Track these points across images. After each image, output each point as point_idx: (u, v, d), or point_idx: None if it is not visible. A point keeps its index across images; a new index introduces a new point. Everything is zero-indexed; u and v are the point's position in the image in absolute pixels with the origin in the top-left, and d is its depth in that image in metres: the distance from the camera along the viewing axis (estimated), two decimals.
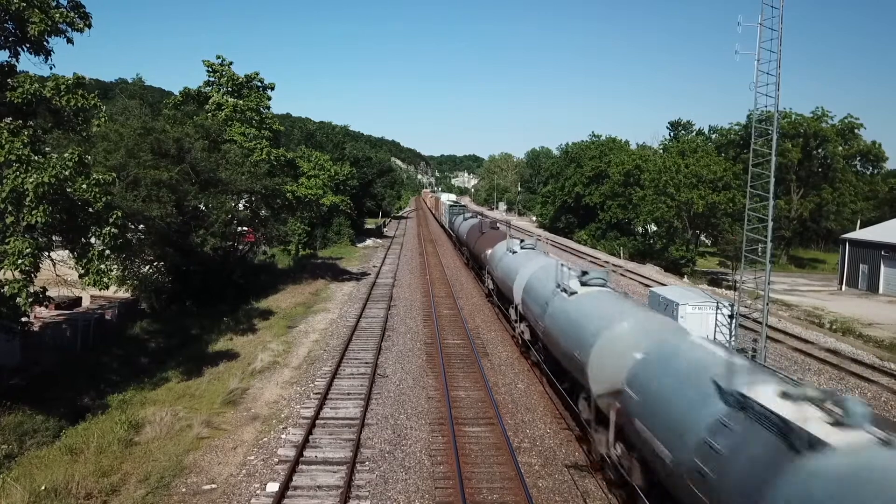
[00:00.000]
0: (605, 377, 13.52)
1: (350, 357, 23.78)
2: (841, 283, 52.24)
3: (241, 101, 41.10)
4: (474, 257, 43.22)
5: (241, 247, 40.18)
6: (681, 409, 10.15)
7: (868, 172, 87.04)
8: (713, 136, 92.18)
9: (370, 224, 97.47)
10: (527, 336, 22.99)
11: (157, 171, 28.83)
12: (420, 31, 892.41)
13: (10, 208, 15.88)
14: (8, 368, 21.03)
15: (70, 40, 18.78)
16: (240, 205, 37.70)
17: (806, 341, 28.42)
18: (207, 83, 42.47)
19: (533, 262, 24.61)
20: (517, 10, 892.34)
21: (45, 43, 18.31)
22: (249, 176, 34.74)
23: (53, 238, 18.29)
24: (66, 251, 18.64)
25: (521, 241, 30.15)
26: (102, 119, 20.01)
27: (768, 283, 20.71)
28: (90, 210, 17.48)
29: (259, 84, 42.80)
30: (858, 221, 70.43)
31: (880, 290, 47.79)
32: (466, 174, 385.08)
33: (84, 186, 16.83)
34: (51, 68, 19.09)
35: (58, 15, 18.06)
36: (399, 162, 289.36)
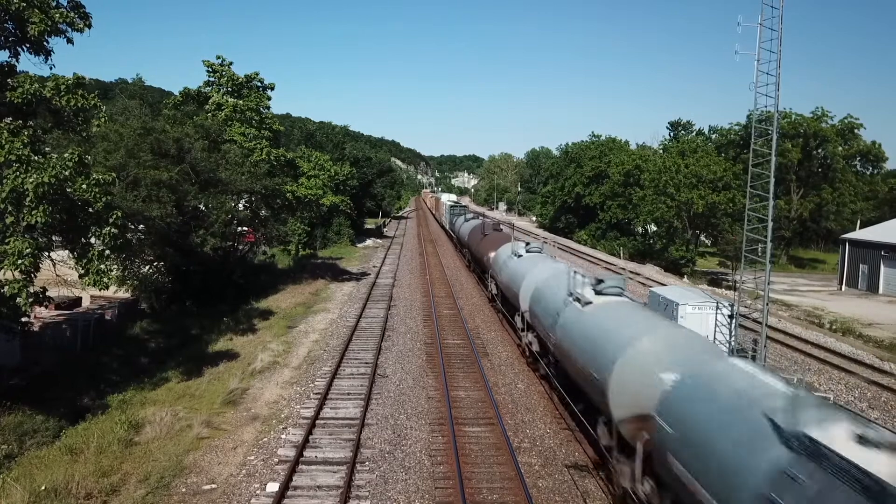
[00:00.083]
0: (629, 401, 12.28)
1: (350, 357, 23.78)
2: (841, 284, 52.24)
3: (240, 102, 41.10)
4: (476, 260, 41.91)
5: (241, 247, 40.18)
6: (728, 449, 8.59)
7: (868, 172, 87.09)
8: (713, 137, 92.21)
9: (370, 224, 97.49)
10: (535, 347, 21.54)
11: (157, 171, 28.84)
12: (420, 31, 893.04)
13: (10, 208, 15.89)
14: (8, 368, 21.03)
15: (70, 40, 18.79)
16: (240, 205, 37.71)
17: (806, 341, 28.42)
18: (207, 83, 42.48)
19: (540, 267, 23.46)
20: (517, 10, 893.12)
21: (45, 43, 18.32)
22: (249, 176, 34.75)
23: (53, 238, 18.29)
24: (66, 251, 18.65)
25: (527, 244, 28.88)
26: (102, 119, 20.02)
27: (768, 283, 20.70)
28: (90, 210, 17.49)
29: (259, 84, 42.81)
30: (858, 221, 70.44)
31: (880, 291, 47.80)
32: (466, 174, 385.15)
33: (84, 186, 16.84)
34: (51, 68, 19.13)
35: (58, 15, 18.07)
36: (399, 162, 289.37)
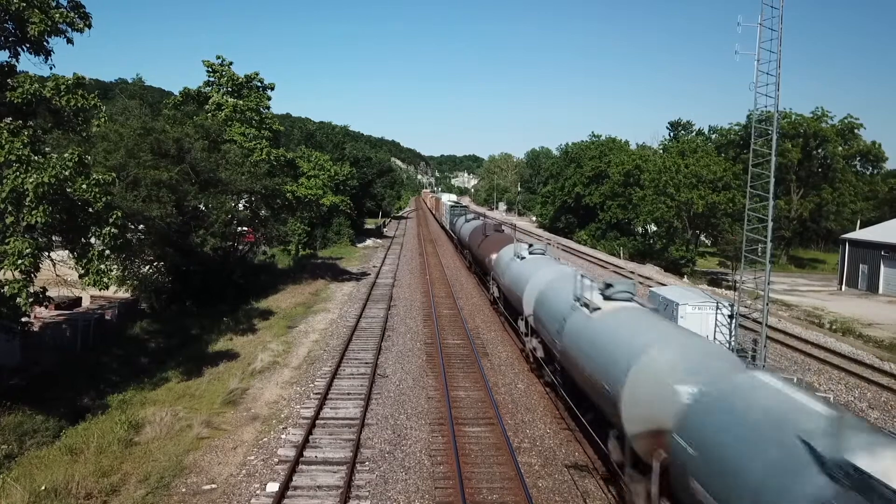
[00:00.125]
0: (643, 416, 11.56)
1: (350, 357, 23.78)
2: (841, 284, 52.25)
3: (240, 102, 41.10)
4: (478, 262, 41.00)
5: (241, 247, 40.19)
6: (759, 476, 7.84)
7: (868, 172, 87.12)
8: (713, 137, 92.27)
9: (370, 224, 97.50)
10: (539, 353, 20.69)
11: (157, 171, 28.84)
12: (420, 31, 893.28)
13: (10, 208, 15.89)
14: (8, 368, 21.04)
15: (70, 40, 18.79)
16: (240, 205, 37.72)
17: (806, 341, 28.42)
18: (207, 83, 42.48)
19: (544, 270, 22.73)
20: (517, 10, 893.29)
21: (45, 43, 18.32)
22: (249, 176, 34.75)
23: (53, 238, 18.29)
24: (66, 251, 18.65)
25: (530, 245, 28.07)
26: (102, 119, 20.03)
27: (768, 283, 20.70)
28: (90, 210, 17.49)
29: (259, 84, 42.80)
30: (858, 221, 70.49)
31: (880, 291, 47.81)
32: (466, 174, 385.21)
33: (84, 186, 16.84)
34: (51, 68, 19.14)
35: (58, 15, 18.07)
36: (399, 162, 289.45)
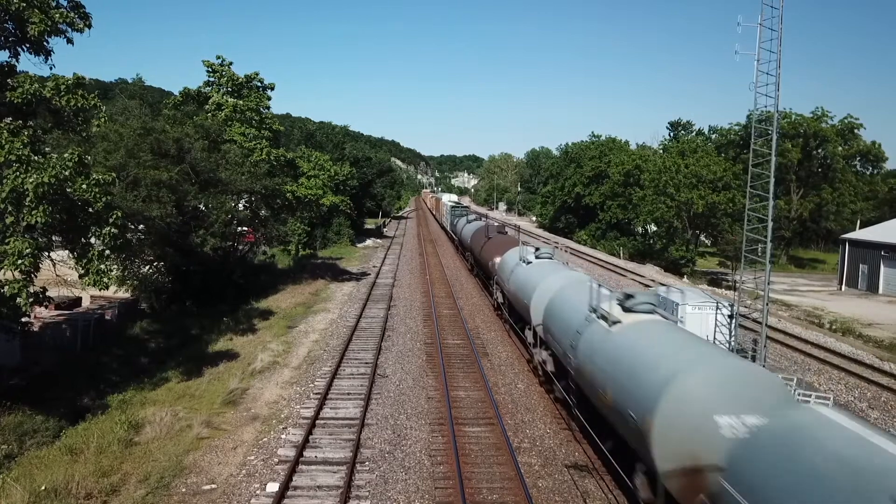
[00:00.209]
0: (678, 452, 10.20)
1: (350, 357, 23.78)
2: (841, 284, 52.25)
3: (240, 102, 41.12)
4: (480, 265, 39.60)
5: (241, 247, 40.19)
6: None
7: (868, 172, 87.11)
8: (713, 137, 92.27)
9: (370, 224, 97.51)
10: (549, 367, 19.39)
11: (157, 171, 28.84)
12: (420, 31, 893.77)
13: (10, 208, 15.89)
14: (8, 368, 21.03)
15: (70, 40, 18.79)
16: (240, 205, 37.72)
17: (806, 341, 28.42)
18: (207, 83, 42.49)
19: (553, 276, 21.37)
20: (517, 10, 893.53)
21: (45, 43, 18.32)
22: (249, 176, 34.76)
23: (53, 238, 18.30)
24: (66, 251, 18.65)
25: (537, 249, 26.52)
26: (102, 119, 20.03)
27: (768, 283, 20.71)
28: (90, 210, 17.49)
29: (259, 84, 42.82)
30: (858, 221, 70.50)
31: (880, 291, 47.81)
32: (466, 174, 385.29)
33: (84, 186, 16.84)
34: (51, 68, 19.14)
35: (58, 15, 18.07)
36: (399, 162, 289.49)
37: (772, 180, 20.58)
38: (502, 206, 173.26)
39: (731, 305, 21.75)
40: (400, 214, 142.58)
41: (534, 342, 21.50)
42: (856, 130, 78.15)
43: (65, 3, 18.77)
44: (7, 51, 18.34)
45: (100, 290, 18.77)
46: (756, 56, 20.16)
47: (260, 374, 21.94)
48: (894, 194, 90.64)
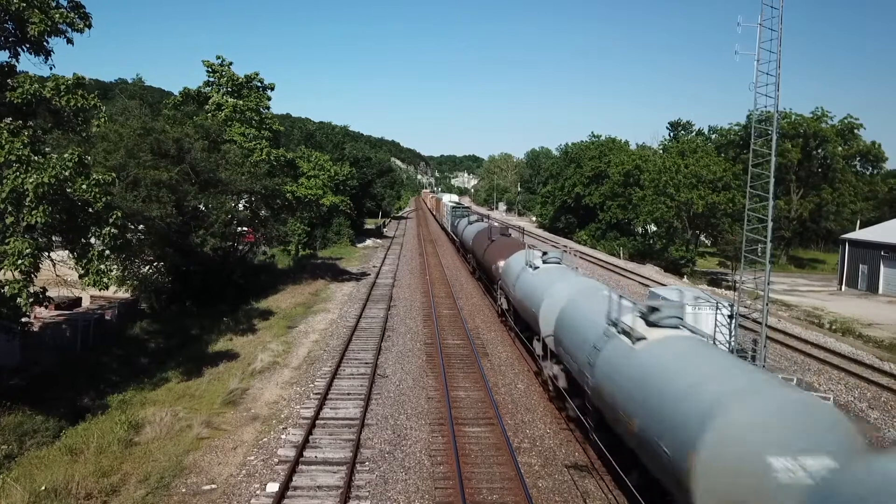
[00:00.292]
0: (725, 498, 9.01)
1: (350, 357, 23.78)
2: (841, 284, 52.25)
3: (240, 102, 41.12)
4: (483, 268, 38.11)
5: (241, 247, 40.19)
6: None
7: (868, 173, 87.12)
8: (713, 137, 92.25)
9: (370, 224, 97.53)
10: (561, 383, 17.82)
11: (156, 171, 28.85)
12: (420, 31, 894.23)
13: (10, 208, 15.90)
14: (8, 368, 21.04)
15: (70, 40, 18.80)
16: (240, 205, 37.72)
17: (806, 341, 28.42)
18: (207, 83, 42.50)
19: (563, 283, 20.02)
20: (517, 10, 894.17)
21: (45, 43, 18.33)
22: (249, 176, 34.76)
23: (53, 238, 18.30)
24: (66, 251, 18.65)
25: (544, 252, 25.05)
26: (102, 119, 20.03)
27: (768, 284, 20.71)
28: (90, 210, 17.50)
29: (259, 84, 42.82)
30: (858, 221, 70.48)
31: (880, 291, 47.81)
32: (466, 174, 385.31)
33: (84, 187, 16.84)
34: (51, 68, 19.15)
35: (58, 15, 18.08)
36: (399, 162, 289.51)
37: (772, 180, 20.59)
38: (502, 206, 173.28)
39: (731, 305, 21.76)
40: (400, 215, 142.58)
41: (543, 354, 19.93)
42: (856, 130, 78.18)
43: (65, 3, 18.78)
44: (7, 51, 18.38)
45: (100, 290, 18.77)
46: (756, 56, 20.17)
47: (260, 375, 21.94)
48: (894, 194, 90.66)
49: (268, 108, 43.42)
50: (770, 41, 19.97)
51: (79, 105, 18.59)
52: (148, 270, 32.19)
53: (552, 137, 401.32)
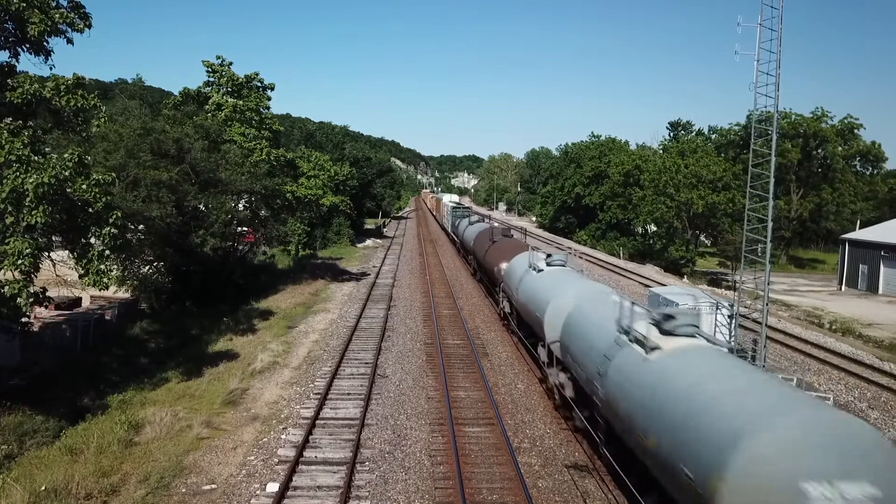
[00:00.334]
0: None
1: (350, 357, 23.78)
2: (840, 284, 52.26)
3: (240, 102, 41.13)
4: (484, 270, 37.30)
5: (241, 247, 40.19)
6: None
7: (868, 173, 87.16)
8: (713, 137, 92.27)
9: (370, 224, 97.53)
10: (568, 392, 16.95)
11: (156, 171, 28.85)
12: (420, 31, 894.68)
13: (10, 208, 15.90)
14: (8, 368, 21.03)
15: (70, 40, 18.81)
16: (240, 205, 37.73)
17: (806, 341, 28.42)
18: (207, 83, 42.50)
19: (570, 287, 19.18)
20: (517, 10, 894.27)
21: (45, 43, 18.33)
22: (249, 176, 34.77)
23: (53, 238, 18.30)
24: (66, 251, 18.65)
25: (548, 255, 24.27)
26: (102, 119, 20.04)
27: (768, 284, 20.71)
28: (90, 210, 17.50)
29: (259, 84, 42.83)
30: (858, 221, 70.49)
31: (880, 291, 47.82)
32: (466, 174, 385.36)
33: (84, 187, 16.85)
34: (51, 68, 19.16)
35: (58, 15, 18.08)
36: (399, 162, 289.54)
37: (772, 180, 20.60)
38: (502, 206, 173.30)
39: (731, 305, 21.76)
40: (400, 215, 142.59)
41: (548, 361, 19.07)
42: (856, 130, 78.22)
43: (65, 4, 18.79)
44: (7, 51, 18.38)
45: (100, 290, 18.77)
46: (756, 56, 20.18)
47: (260, 375, 21.94)
48: (894, 194, 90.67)
49: (268, 108, 43.44)
50: (770, 41, 19.99)
51: (79, 105, 18.60)
52: (148, 270, 32.18)
53: (552, 137, 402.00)
